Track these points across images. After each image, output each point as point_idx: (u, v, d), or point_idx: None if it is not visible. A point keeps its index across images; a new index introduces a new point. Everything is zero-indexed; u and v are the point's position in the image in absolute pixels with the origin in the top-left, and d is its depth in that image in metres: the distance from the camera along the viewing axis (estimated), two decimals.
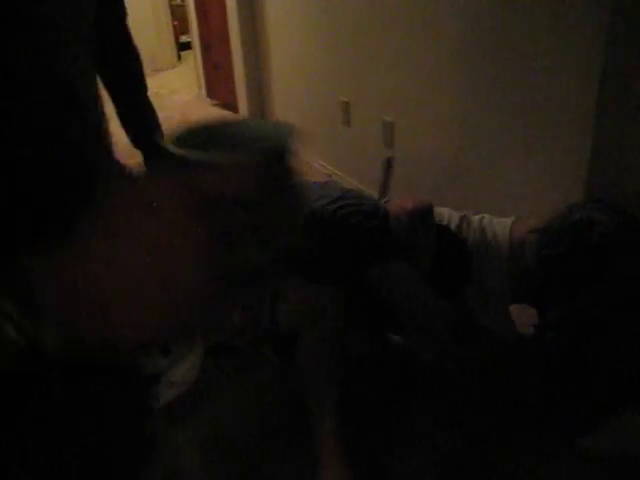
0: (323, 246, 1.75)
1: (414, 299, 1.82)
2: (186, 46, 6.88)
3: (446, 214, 1.95)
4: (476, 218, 1.90)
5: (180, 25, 6.87)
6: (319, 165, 3.89)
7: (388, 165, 2.66)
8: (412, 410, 1.94)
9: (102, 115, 0.91)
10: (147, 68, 3.32)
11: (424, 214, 1.79)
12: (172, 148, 0.51)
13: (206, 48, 5.25)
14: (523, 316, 1.88)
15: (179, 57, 6.98)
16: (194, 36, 5.47)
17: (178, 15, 6.77)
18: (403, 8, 2.71)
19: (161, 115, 3.60)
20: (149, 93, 3.25)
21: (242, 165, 0.50)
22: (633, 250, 1.68)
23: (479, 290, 1.86)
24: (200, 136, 0.56)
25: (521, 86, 2.19)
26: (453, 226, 1.88)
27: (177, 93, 5.78)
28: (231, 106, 4.99)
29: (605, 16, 1.81)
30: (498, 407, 1.93)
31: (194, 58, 5.60)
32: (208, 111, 5.21)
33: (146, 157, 3.41)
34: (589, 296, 1.63)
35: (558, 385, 1.69)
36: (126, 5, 2.96)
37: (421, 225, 1.78)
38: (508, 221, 1.86)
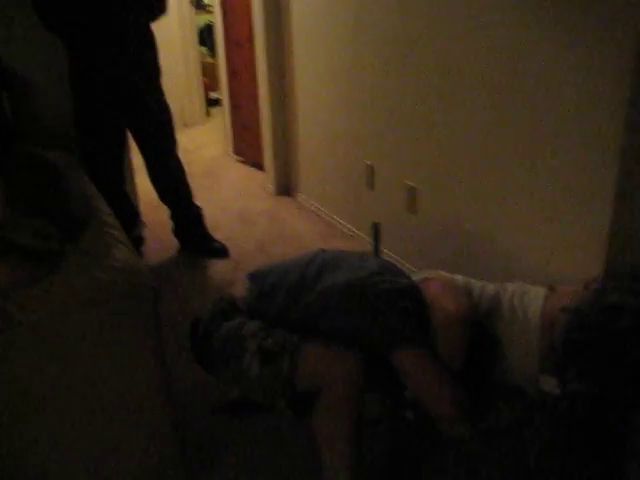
0: (358, 316, 1.78)
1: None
2: (215, 102, 7.04)
3: (477, 290, 1.97)
4: (507, 296, 1.92)
5: (210, 83, 7.04)
6: (342, 226, 3.94)
7: (375, 231, 2.77)
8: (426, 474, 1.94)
9: None
10: (176, 123, 3.43)
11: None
12: None
13: (235, 107, 5.38)
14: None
15: (208, 113, 7.12)
16: (224, 94, 5.60)
17: (209, 73, 6.95)
18: (428, 77, 2.79)
19: (189, 170, 3.71)
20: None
21: None
22: None
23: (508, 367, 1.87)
24: None
25: (543, 157, 2.25)
26: (485, 304, 1.91)
27: (205, 148, 5.89)
28: (257, 164, 5.08)
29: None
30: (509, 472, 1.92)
31: (223, 116, 5.72)
32: (234, 167, 5.30)
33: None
34: (609, 378, 1.65)
35: (560, 458, 1.69)
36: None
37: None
38: (541, 295, 1.88)
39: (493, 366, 1.89)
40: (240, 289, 2.00)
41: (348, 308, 1.79)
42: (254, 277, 1.99)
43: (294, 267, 1.94)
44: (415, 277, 2.00)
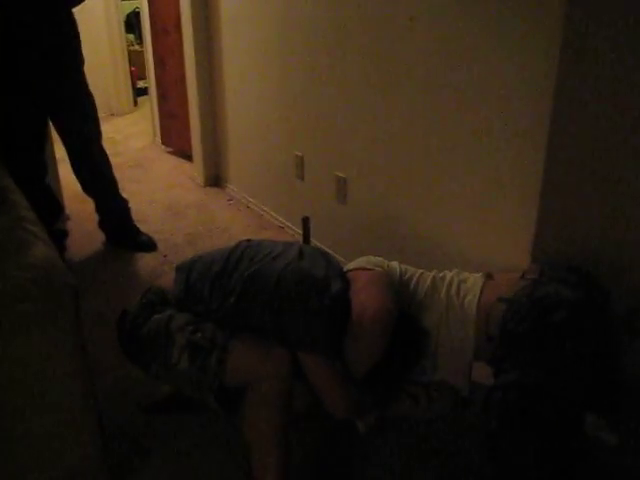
0: (264, 312, 1.75)
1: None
2: (144, 92, 6.89)
3: (414, 278, 1.97)
4: (445, 284, 1.93)
5: (138, 71, 6.88)
6: (272, 217, 3.91)
7: (305, 225, 2.79)
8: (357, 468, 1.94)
9: None
10: (103, 113, 3.33)
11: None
12: None
13: (162, 96, 5.26)
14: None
15: (136, 103, 6.96)
16: (151, 83, 5.48)
17: (136, 61, 6.78)
18: (357, 68, 2.79)
19: (115, 161, 3.62)
20: (104, 137, 3.24)
21: None
22: (593, 329, 1.73)
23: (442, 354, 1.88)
24: None
25: (471, 147, 2.27)
26: (420, 293, 1.92)
27: (132, 139, 5.76)
28: (186, 155, 4.99)
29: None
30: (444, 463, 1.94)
31: (150, 105, 5.60)
32: (162, 158, 5.20)
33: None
34: (544, 369, 1.67)
35: (494, 446, 1.71)
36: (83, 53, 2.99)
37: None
38: (478, 284, 1.90)
39: (416, 360, 1.89)
40: (168, 280, 1.94)
41: (253, 304, 1.76)
42: (181, 268, 1.94)
43: (218, 258, 1.90)
44: (351, 264, 1.99)
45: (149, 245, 3.53)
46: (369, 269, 1.93)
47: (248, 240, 2.01)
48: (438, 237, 2.54)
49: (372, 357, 1.77)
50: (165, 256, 3.41)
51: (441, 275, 1.99)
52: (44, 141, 3.23)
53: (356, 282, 1.86)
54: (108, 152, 3.43)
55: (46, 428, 1.62)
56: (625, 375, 1.91)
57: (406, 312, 1.87)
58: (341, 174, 3.08)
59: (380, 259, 2.03)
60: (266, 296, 1.74)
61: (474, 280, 1.93)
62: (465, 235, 2.40)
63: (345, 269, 1.97)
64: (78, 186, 3.43)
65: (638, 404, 2.09)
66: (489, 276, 1.95)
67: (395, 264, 2.03)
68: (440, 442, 2.03)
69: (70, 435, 1.68)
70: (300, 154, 3.42)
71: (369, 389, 1.87)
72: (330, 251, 3.21)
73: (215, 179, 4.58)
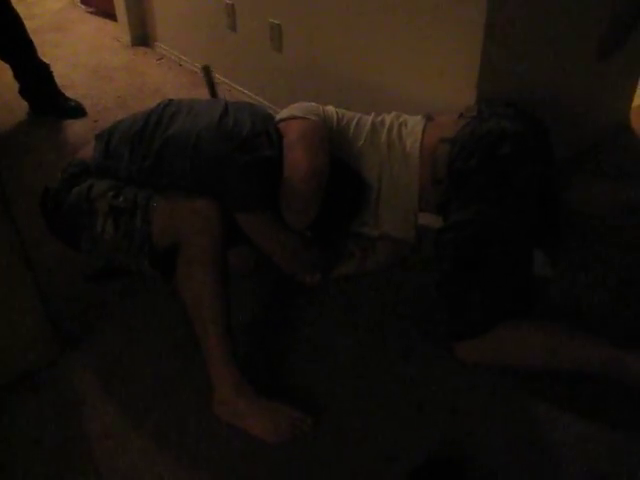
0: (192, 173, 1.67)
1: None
2: None
3: (352, 123, 1.88)
4: (385, 128, 1.84)
5: None
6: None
7: (206, 73, 2.67)
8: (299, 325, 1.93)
9: None
10: None
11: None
12: None
13: None
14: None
15: None
16: None
17: None
18: None
19: (31, 25, 3.34)
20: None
21: None
22: (536, 159, 1.70)
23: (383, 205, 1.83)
24: None
25: None
26: (359, 139, 1.84)
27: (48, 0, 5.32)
28: (109, 14, 4.64)
29: None
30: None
31: None
32: (83, 19, 4.84)
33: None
34: (491, 204, 1.64)
35: (446, 287, 1.70)
36: None
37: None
38: (419, 126, 1.82)
39: (356, 210, 1.85)
40: (89, 151, 1.81)
41: (173, 165, 1.68)
42: (100, 135, 1.82)
43: (138, 119, 1.78)
44: (284, 112, 1.88)
45: (77, 110, 3.32)
46: (301, 118, 1.82)
47: (170, 100, 1.88)
48: (380, 82, 2.42)
49: (308, 213, 1.73)
50: (96, 121, 3.22)
51: (380, 119, 1.90)
52: None
53: (288, 134, 1.77)
54: (22, 15, 3.12)
55: None
56: (565, 210, 1.92)
57: (344, 161, 1.80)
58: (275, 21, 2.88)
59: (314, 105, 1.92)
60: (186, 157, 1.65)
61: (414, 122, 1.86)
62: (408, 78, 2.29)
63: (277, 118, 1.87)
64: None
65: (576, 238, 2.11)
66: (429, 118, 1.87)
67: (331, 108, 1.93)
68: (390, 295, 2.02)
69: (13, 309, 1.61)
70: (230, 2, 3.18)
71: (312, 242, 1.86)
72: (267, 103, 3.10)
73: (142, 38, 4.29)
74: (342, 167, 1.79)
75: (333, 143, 1.80)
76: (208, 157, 1.65)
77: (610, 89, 2.69)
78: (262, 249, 1.79)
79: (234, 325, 1.62)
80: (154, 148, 1.69)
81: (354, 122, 1.88)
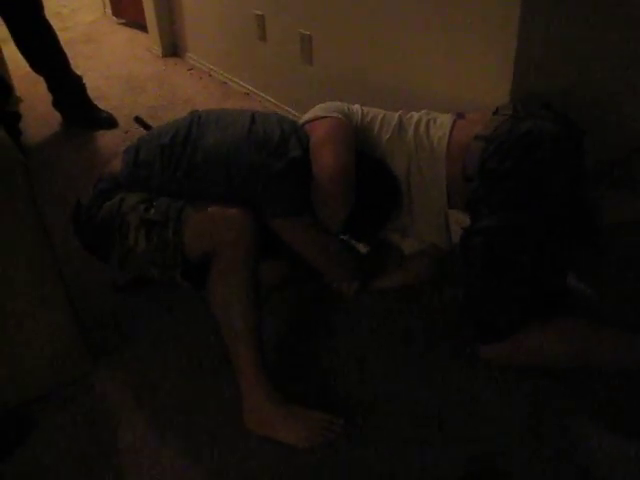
0: (226, 183, 1.69)
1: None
2: None
3: (378, 119, 1.86)
4: (412, 123, 1.81)
5: None
6: (236, 84, 3.72)
7: (139, 123, 2.71)
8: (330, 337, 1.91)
9: None
10: None
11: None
12: None
13: None
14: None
15: None
16: None
17: None
18: None
19: (64, 37, 3.38)
20: (48, 13, 3.00)
21: None
22: (572, 165, 1.65)
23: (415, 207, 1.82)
24: None
25: None
26: (386, 134, 1.81)
27: (81, 12, 5.40)
28: (140, 26, 4.70)
29: None
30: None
31: None
32: (115, 31, 4.90)
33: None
34: (523, 210, 1.60)
35: (474, 290, 1.67)
36: None
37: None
38: (448, 122, 1.78)
39: (390, 210, 1.84)
40: (118, 164, 1.82)
41: (215, 176, 1.69)
42: (128, 149, 1.83)
43: (167, 130, 1.79)
44: (308, 114, 1.88)
45: (109, 122, 3.36)
46: (325, 117, 1.82)
47: (196, 111, 1.89)
48: (410, 90, 2.39)
49: (339, 212, 1.74)
50: (127, 132, 3.24)
51: (408, 116, 1.86)
52: None
53: (313, 134, 1.77)
54: (55, 28, 3.18)
55: (18, 317, 1.57)
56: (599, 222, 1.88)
57: (378, 160, 1.79)
58: (306, 31, 2.88)
59: (338, 103, 1.91)
60: (220, 167, 1.67)
61: (444, 118, 1.81)
62: (442, 82, 2.25)
63: (302, 120, 1.87)
64: (27, 66, 3.21)
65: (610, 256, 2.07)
66: (460, 115, 1.83)
67: (357, 107, 1.91)
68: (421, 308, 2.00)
69: (44, 322, 1.63)
70: (260, 13, 3.20)
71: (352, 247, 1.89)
72: (297, 114, 3.10)
73: (173, 48, 4.34)
74: (376, 166, 1.78)
75: (359, 139, 1.79)
76: (242, 166, 1.66)
77: None
78: (302, 255, 1.79)
79: (263, 334, 1.62)
80: (185, 159, 1.69)
81: (379, 118, 1.86)
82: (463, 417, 1.61)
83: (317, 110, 1.87)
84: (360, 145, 1.78)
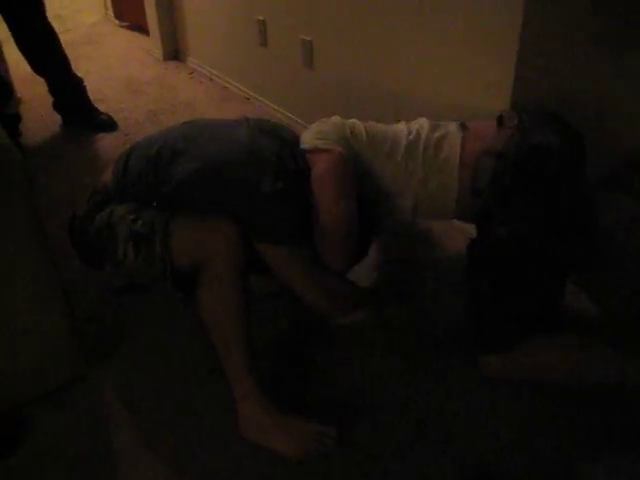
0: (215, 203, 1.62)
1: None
2: None
3: (389, 137, 1.79)
4: (422, 142, 1.75)
5: None
6: (237, 89, 3.73)
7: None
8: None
9: None
10: None
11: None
12: None
13: None
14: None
15: None
16: None
17: None
18: None
19: (65, 38, 3.39)
20: (49, 15, 3.00)
21: None
22: (579, 178, 1.66)
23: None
24: None
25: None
26: (398, 155, 1.76)
27: (82, 14, 5.40)
28: (141, 28, 4.71)
29: None
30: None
31: None
32: (116, 33, 4.91)
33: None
34: (533, 223, 1.59)
35: (478, 300, 1.68)
36: None
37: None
38: (458, 138, 1.74)
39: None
40: (109, 174, 1.80)
41: (202, 192, 1.62)
42: (118, 159, 1.78)
43: (157, 139, 1.74)
44: (305, 136, 1.78)
45: (109, 124, 3.35)
46: (325, 151, 1.71)
47: (191, 121, 1.87)
48: (410, 96, 2.40)
49: (344, 256, 1.72)
50: (127, 135, 3.24)
51: (414, 135, 1.78)
52: None
53: (313, 168, 1.69)
54: (57, 30, 3.18)
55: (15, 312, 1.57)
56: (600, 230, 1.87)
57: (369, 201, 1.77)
58: (307, 37, 2.89)
59: (339, 123, 1.83)
60: (209, 184, 1.60)
61: (452, 136, 1.75)
62: (441, 92, 2.26)
63: (302, 146, 1.76)
64: (27, 67, 3.21)
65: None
66: (463, 127, 1.78)
67: (358, 124, 1.83)
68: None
69: (39, 324, 1.62)
70: (262, 18, 3.21)
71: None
72: (298, 119, 3.10)
73: (174, 52, 4.34)
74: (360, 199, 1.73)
75: (363, 162, 1.75)
76: (233, 184, 1.60)
77: None
78: (291, 288, 1.73)
79: (257, 342, 1.61)
80: (172, 175, 1.63)
81: (387, 140, 1.79)
82: (458, 424, 1.60)
83: (316, 135, 1.77)
84: (364, 167, 1.75)
